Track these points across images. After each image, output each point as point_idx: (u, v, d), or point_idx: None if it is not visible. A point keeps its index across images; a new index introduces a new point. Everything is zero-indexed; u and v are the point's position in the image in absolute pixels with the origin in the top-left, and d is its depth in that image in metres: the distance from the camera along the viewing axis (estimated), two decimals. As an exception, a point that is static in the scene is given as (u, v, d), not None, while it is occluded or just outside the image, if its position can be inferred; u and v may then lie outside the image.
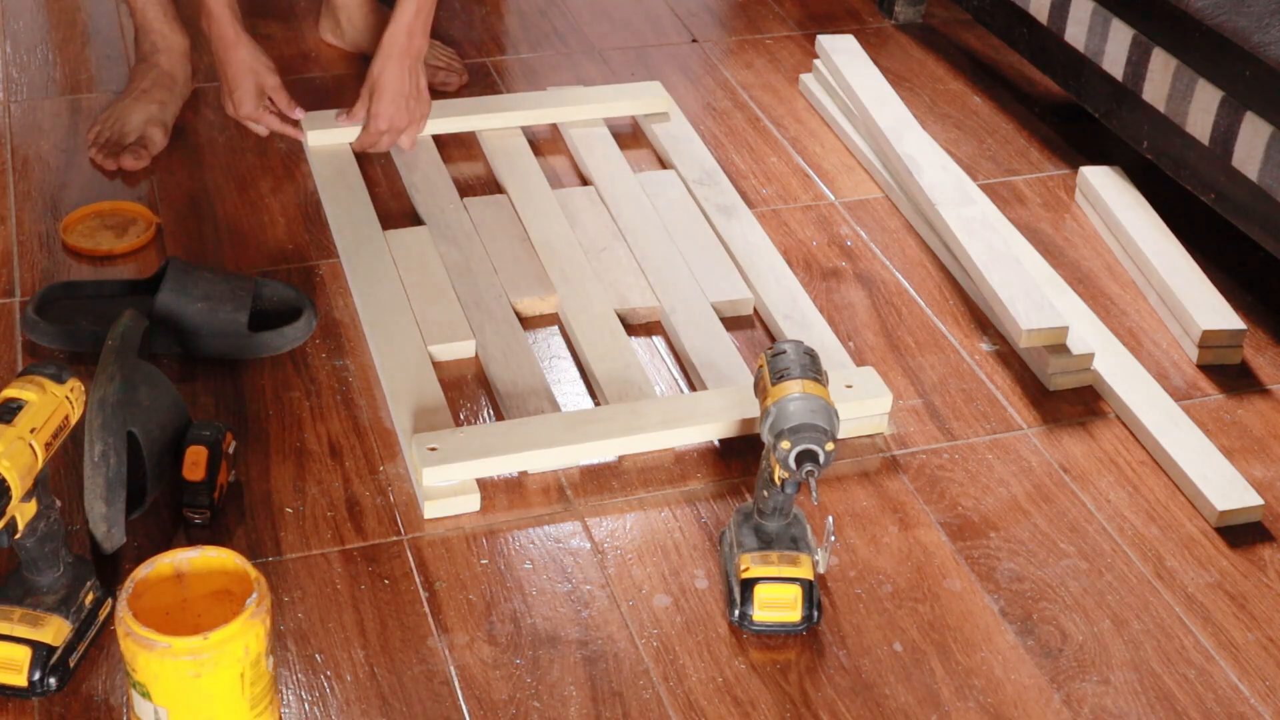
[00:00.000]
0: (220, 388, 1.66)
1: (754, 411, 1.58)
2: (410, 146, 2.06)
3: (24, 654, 1.29)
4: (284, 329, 1.70)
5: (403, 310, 1.76)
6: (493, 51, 2.39)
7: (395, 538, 1.49)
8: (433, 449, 1.52)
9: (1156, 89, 1.88)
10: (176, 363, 1.69)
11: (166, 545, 1.45)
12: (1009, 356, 1.77)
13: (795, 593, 1.39)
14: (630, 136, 2.16)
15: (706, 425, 1.60)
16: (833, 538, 1.48)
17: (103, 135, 2.04)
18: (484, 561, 1.46)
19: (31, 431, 1.24)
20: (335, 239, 1.89)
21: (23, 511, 1.25)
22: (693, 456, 1.60)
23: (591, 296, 1.80)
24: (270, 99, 2.06)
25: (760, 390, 1.40)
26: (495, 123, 2.13)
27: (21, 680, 1.29)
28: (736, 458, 1.60)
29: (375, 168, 2.06)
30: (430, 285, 1.80)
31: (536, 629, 1.39)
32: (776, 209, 2.03)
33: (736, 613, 1.40)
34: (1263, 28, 1.72)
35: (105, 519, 1.37)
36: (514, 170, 2.04)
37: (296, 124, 2.08)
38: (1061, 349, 1.72)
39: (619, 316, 1.78)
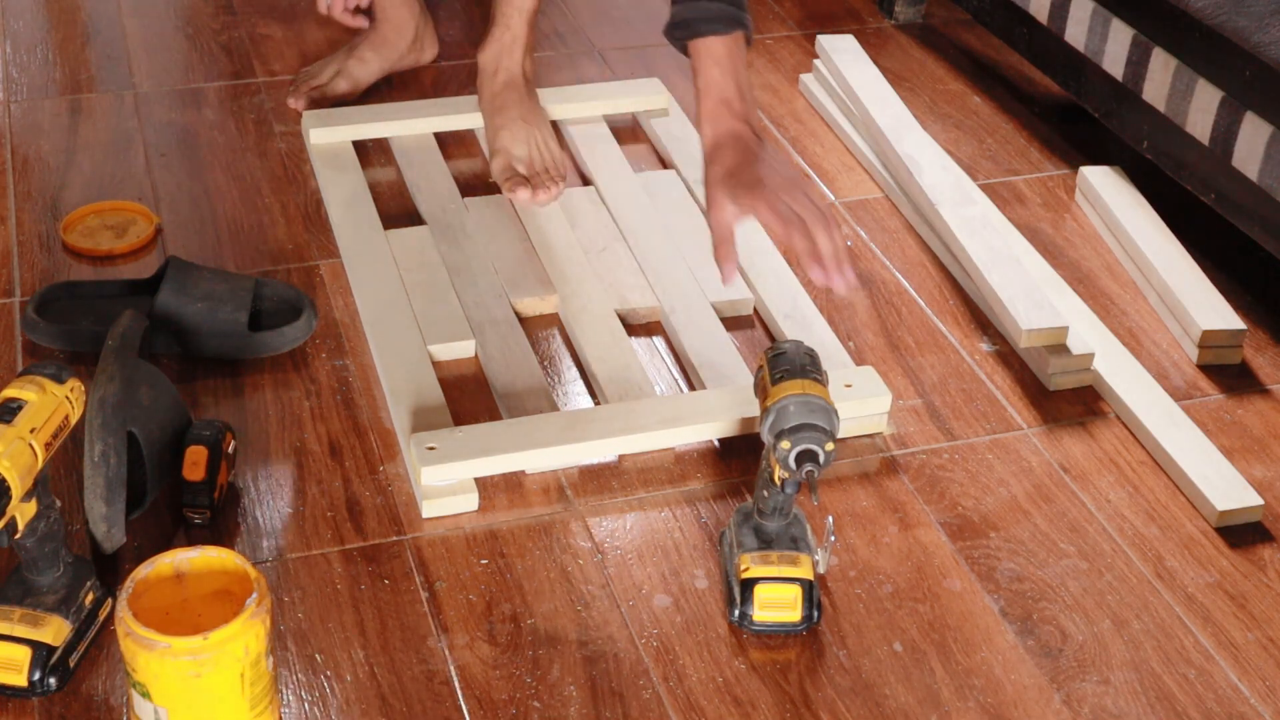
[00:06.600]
0: (220, 388, 1.66)
1: (754, 411, 1.58)
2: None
3: (24, 654, 1.29)
4: (284, 329, 1.70)
5: (403, 310, 1.75)
6: (493, 51, 2.39)
7: (395, 538, 1.48)
8: (431, 448, 1.52)
9: (1156, 89, 1.88)
10: (176, 363, 1.69)
11: (166, 545, 1.45)
12: (1009, 356, 1.77)
13: (795, 593, 1.39)
14: (630, 134, 2.16)
15: (706, 425, 1.60)
16: (833, 538, 1.48)
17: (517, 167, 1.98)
18: (484, 561, 1.46)
19: (31, 431, 1.24)
20: (336, 238, 1.89)
21: (23, 511, 1.25)
22: (693, 456, 1.60)
23: (591, 296, 1.80)
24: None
25: (760, 390, 1.40)
26: (495, 122, 2.13)
27: (21, 680, 1.29)
28: (736, 458, 1.60)
29: (376, 167, 2.06)
30: (430, 285, 1.80)
31: (536, 629, 1.39)
32: (776, 209, 2.02)
33: (736, 613, 1.40)
34: (1263, 28, 1.72)
35: (105, 519, 1.37)
36: (514, 170, 2.04)
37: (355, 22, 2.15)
38: (1061, 349, 1.72)
39: (619, 316, 1.78)
